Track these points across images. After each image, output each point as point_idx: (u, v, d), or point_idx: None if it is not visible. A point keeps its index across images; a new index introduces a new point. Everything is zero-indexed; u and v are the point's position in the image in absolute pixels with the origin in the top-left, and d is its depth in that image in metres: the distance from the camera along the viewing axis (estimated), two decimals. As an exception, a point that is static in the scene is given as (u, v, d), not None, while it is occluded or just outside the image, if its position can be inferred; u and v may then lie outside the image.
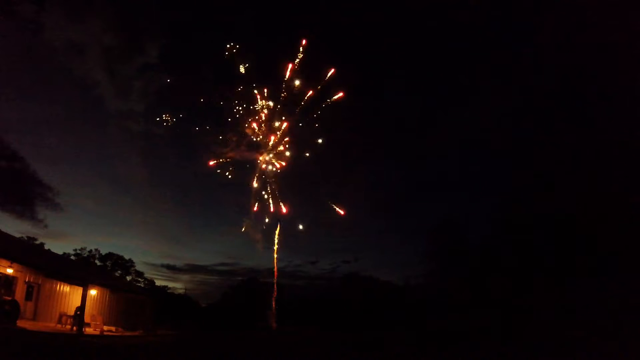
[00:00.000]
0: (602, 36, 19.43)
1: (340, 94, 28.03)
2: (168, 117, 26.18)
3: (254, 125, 27.33)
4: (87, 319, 18.26)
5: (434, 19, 43.59)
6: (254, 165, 29.00)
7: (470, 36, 42.54)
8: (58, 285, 19.72)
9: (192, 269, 75.31)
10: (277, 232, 30.74)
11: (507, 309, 20.58)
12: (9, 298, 15.21)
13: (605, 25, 18.45)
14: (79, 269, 28.51)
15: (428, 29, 48.85)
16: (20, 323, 14.74)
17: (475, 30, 41.94)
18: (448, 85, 58.24)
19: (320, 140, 27.97)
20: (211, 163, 28.43)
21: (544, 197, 21.39)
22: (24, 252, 21.15)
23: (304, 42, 27.20)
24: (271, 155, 27.95)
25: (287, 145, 28.27)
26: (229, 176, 28.72)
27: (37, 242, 40.97)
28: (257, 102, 27.29)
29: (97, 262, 47.09)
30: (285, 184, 29.93)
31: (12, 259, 15.78)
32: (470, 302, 23.47)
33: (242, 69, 25.99)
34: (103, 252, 49.08)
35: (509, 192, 26.68)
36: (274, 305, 34.31)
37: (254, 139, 28.09)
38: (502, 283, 21.53)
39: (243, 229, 30.25)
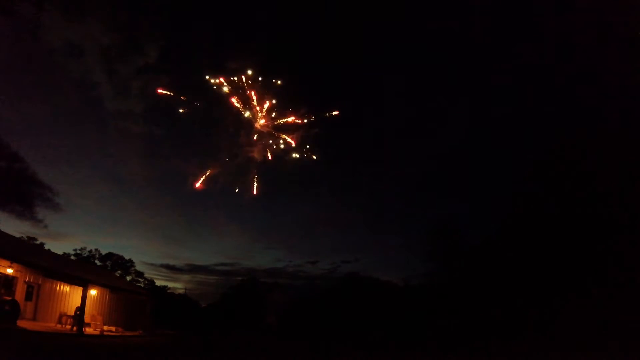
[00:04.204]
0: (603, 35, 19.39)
1: (336, 113, 26.43)
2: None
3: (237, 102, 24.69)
4: (87, 319, 18.25)
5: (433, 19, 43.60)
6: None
7: (469, 37, 42.54)
8: (58, 285, 19.72)
9: (192, 269, 75.61)
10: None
11: (507, 309, 20.57)
12: (9, 298, 15.20)
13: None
14: (79, 269, 28.48)
15: (428, 30, 48.87)
16: (20, 323, 14.72)
17: (474, 31, 41.95)
18: (447, 85, 58.26)
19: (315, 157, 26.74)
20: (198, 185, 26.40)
21: (546, 197, 21.35)
22: (24, 252, 21.13)
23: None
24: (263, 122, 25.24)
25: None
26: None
27: (37, 242, 41.00)
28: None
29: (97, 262, 47.10)
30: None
31: (12, 259, 15.75)
32: (471, 303, 23.44)
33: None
34: (103, 252, 49.20)
35: (510, 191, 26.63)
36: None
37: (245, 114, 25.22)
38: (502, 283, 21.50)
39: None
